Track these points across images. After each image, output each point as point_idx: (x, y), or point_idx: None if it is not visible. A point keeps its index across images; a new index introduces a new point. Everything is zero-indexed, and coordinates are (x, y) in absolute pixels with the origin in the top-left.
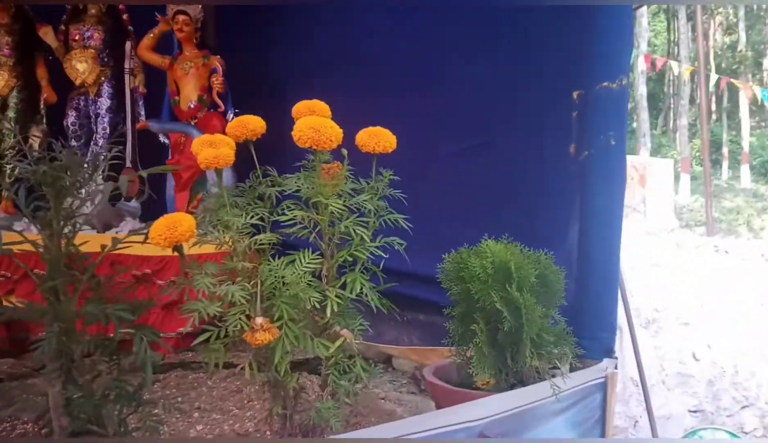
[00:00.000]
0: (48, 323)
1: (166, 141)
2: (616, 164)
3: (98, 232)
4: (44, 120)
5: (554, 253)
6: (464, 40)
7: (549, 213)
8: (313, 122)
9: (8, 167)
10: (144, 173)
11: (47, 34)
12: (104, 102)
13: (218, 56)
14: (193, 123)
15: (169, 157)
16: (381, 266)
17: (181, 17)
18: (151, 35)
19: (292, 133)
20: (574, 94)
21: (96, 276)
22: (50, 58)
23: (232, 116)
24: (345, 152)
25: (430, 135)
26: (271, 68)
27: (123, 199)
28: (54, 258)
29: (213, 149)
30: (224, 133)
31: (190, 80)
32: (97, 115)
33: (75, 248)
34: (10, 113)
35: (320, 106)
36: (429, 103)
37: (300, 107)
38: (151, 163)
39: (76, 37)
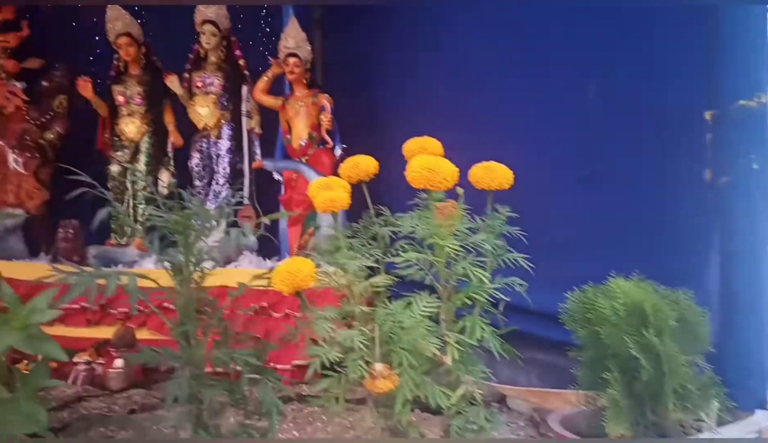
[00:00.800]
0: (179, 367)
1: (280, 178)
2: (759, 189)
3: (218, 266)
4: (171, 162)
5: (693, 292)
6: (579, 62)
7: (684, 247)
8: (427, 162)
9: (141, 207)
10: (266, 220)
11: (173, 83)
12: (224, 143)
13: (326, 94)
14: (304, 160)
15: (282, 193)
16: (500, 307)
17: (291, 59)
18: (265, 78)
19: (406, 174)
20: (707, 115)
21: (223, 320)
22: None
23: (340, 151)
24: (460, 191)
25: (546, 164)
26: (378, 103)
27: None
28: (185, 303)
29: (329, 193)
30: (334, 168)
31: (301, 119)
32: (218, 156)
33: (204, 292)
34: (143, 157)
35: (432, 143)
36: (544, 131)
37: (411, 145)
38: (267, 198)
39: (199, 84)
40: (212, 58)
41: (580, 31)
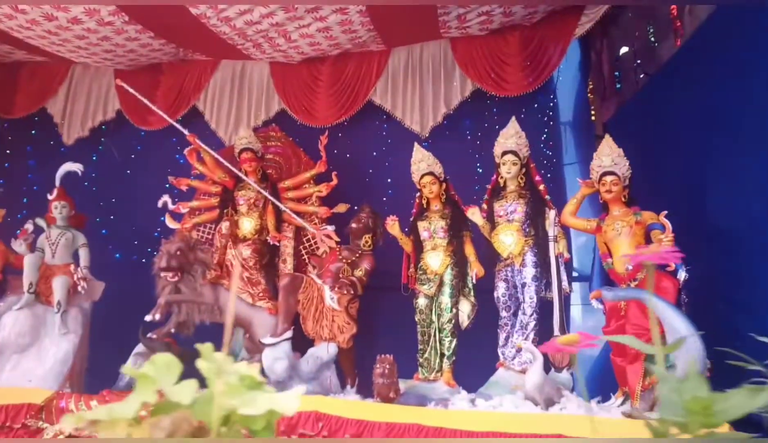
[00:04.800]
0: None
1: (599, 306)
2: None
3: (541, 409)
4: (472, 293)
5: None
6: None
7: None
8: None
9: (446, 340)
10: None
11: (474, 214)
12: (529, 271)
13: (650, 212)
14: (633, 285)
15: (605, 324)
16: None
17: (609, 178)
18: (574, 200)
19: None
20: None
21: None
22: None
23: (684, 274)
24: None
25: None
26: (716, 216)
27: (554, 368)
28: None
29: None
30: (677, 295)
31: (624, 241)
32: (523, 284)
33: None
34: (447, 289)
35: None
36: None
37: None
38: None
39: (501, 213)
40: (511, 187)
41: None
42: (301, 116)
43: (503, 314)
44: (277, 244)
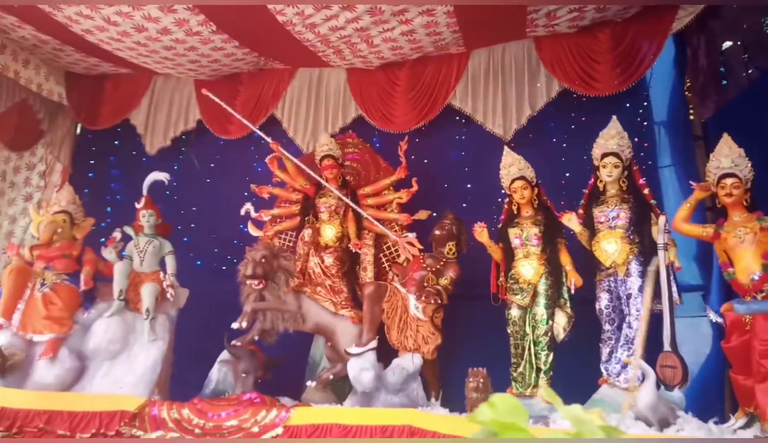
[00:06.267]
0: None
1: (718, 320)
2: None
3: (655, 430)
4: (568, 304)
5: None
6: None
7: None
8: None
9: (542, 354)
10: None
11: (571, 221)
12: (635, 281)
13: None
14: (759, 297)
15: (725, 338)
16: None
17: (729, 180)
18: (687, 205)
19: None
20: None
21: None
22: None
23: None
24: None
25: None
26: None
27: (665, 386)
28: None
29: None
30: None
31: (748, 248)
32: (629, 295)
33: None
34: (542, 300)
35: None
36: None
37: None
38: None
39: (602, 219)
40: (612, 191)
41: None
42: (379, 122)
43: (606, 327)
44: (359, 252)
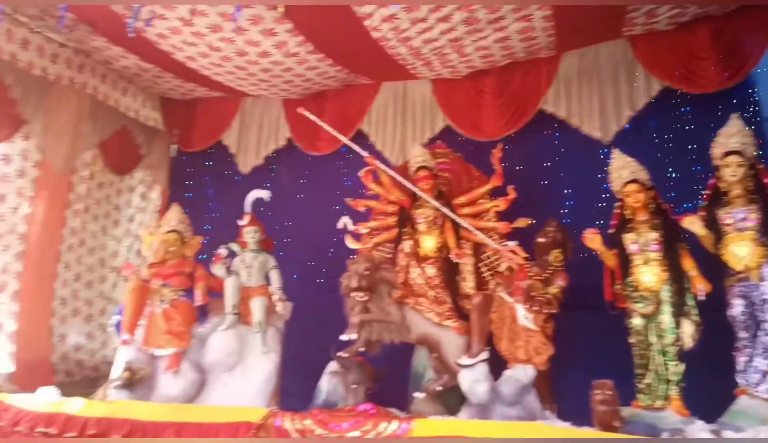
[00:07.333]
0: None
1: None
2: None
3: None
4: (695, 311)
5: None
6: None
7: None
8: None
9: (671, 364)
10: None
11: (694, 224)
12: None
13: None
14: None
15: None
16: None
17: None
18: None
19: None
20: None
21: None
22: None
23: None
24: None
25: None
26: None
27: None
28: None
29: None
30: None
31: None
32: (763, 300)
33: None
34: (667, 308)
35: None
36: None
37: None
38: None
39: (728, 221)
40: (737, 191)
41: None
42: (468, 131)
43: (742, 335)
44: (459, 261)
